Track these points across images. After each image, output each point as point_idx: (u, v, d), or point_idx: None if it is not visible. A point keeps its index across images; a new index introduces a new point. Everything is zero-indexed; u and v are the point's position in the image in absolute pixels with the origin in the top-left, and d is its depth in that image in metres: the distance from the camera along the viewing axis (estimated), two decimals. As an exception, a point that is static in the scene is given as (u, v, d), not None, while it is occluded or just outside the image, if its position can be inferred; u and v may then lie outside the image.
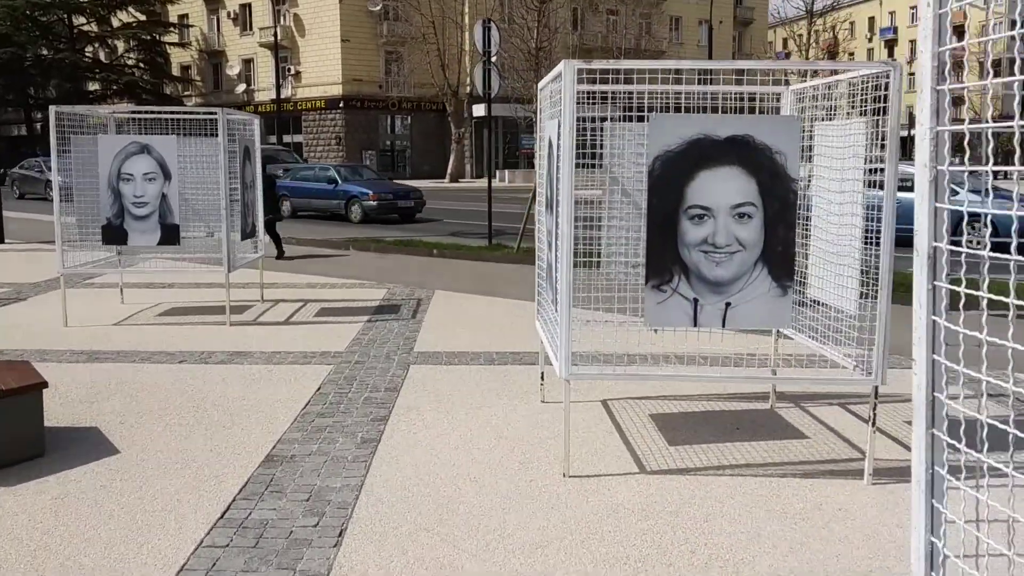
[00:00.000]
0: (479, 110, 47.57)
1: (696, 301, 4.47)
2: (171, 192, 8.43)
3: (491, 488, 4.41)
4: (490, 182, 15.51)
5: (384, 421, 5.50)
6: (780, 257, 4.44)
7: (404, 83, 51.78)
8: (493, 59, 14.55)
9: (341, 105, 51.19)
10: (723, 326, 4.53)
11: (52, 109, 8.37)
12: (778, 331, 5.57)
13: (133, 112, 9.45)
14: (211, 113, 8.72)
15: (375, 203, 21.54)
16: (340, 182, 22.32)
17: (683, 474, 4.63)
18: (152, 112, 9.40)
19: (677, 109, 5.23)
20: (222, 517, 4.01)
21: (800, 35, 67.70)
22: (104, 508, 4.10)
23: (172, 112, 9.25)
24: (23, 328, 8.36)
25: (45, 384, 4.77)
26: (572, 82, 4.29)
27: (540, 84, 5.61)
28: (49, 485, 4.37)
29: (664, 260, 4.43)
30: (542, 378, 6.00)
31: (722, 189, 4.36)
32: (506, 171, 49.18)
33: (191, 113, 9.14)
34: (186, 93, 56.91)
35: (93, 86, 55.74)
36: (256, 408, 5.78)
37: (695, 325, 4.51)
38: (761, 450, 5.03)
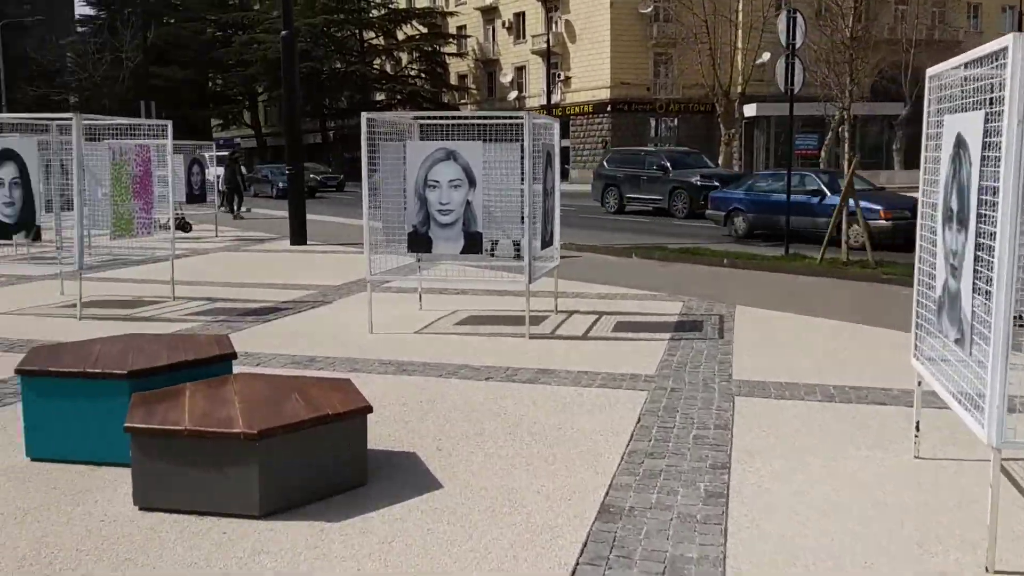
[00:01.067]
0: (751, 110, 45.46)
1: None
2: (475, 199, 8.15)
3: (890, 578, 3.49)
4: (789, 185, 14.22)
5: (725, 469, 4.71)
6: None
7: (672, 85, 50.65)
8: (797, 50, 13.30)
9: (608, 109, 51.02)
10: None
11: (364, 116, 8.36)
12: None
13: (438, 118, 9.32)
14: (516, 117, 8.36)
15: (888, 222, 15.44)
16: (828, 195, 16.29)
17: None
18: (457, 118, 9.21)
19: None
20: (567, 586, 3.42)
21: None
22: (436, 560, 3.63)
23: (478, 118, 9.00)
24: (332, 334, 8.42)
25: (370, 408, 4.44)
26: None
27: (931, 71, 4.58)
28: (374, 524, 3.99)
29: None
30: (917, 428, 4.94)
31: None
32: (780, 174, 46.59)
33: (495, 118, 8.84)
34: (462, 101, 59.29)
35: (379, 96, 59.52)
36: (575, 440, 5.20)
37: None
38: None
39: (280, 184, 36.52)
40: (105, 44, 57.16)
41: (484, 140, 8.40)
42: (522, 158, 8.17)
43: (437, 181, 8.18)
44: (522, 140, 8.10)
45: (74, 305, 9.39)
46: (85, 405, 4.74)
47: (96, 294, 10.81)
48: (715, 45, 43.22)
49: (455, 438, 5.25)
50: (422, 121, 9.42)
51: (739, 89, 42.86)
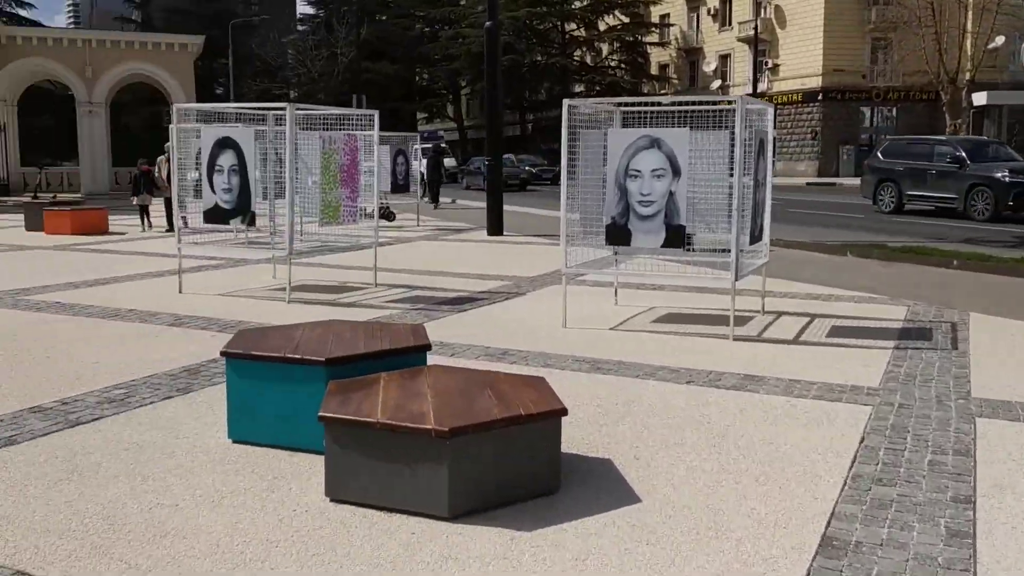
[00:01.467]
0: (980, 98, 41.77)
1: None
2: (679, 190, 7.70)
3: None
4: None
5: (969, 504, 4.07)
6: None
7: (891, 72, 47.36)
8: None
9: (819, 97, 48.48)
10: None
11: (565, 103, 8.10)
12: None
13: (641, 104, 8.93)
14: (726, 102, 7.83)
15: None
16: None
17: None
18: (662, 105, 8.77)
19: None
20: (784, 631, 2.98)
21: None
22: (634, 586, 3.30)
23: (684, 104, 8.52)
24: (525, 327, 8.25)
25: (565, 411, 4.15)
26: None
27: None
28: (567, 538, 3.69)
29: None
30: None
31: None
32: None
33: (702, 104, 8.33)
34: (662, 91, 58.20)
35: (578, 87, 59.51)
36: (789, 457, 4.70)
37: None
38: None
39: None
40: (322, 41, 60.53)
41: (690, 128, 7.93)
42: (732, 146, 7.65)
43: (639, 170, 7.80)
44: (733, 126, 7.57)
45: (284, 289, 9.74)
46: (284, 390, 4.75)
47: (304, 278, 11.22)
48: (941, 28, 39.93)
49: (654, 446, 4.88)
50: (625, 108, 9.05)
51: (968, 76, 39.42)
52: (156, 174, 18.50)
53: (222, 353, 4.90)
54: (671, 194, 7.72)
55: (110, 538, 3.65)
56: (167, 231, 17.61)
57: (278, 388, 4.76)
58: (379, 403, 4.09)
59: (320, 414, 4.03)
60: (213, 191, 9.93)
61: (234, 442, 4.88)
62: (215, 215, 9.99)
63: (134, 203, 18.89)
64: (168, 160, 17.01)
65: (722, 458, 4.70)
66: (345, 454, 4.01)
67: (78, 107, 35.71)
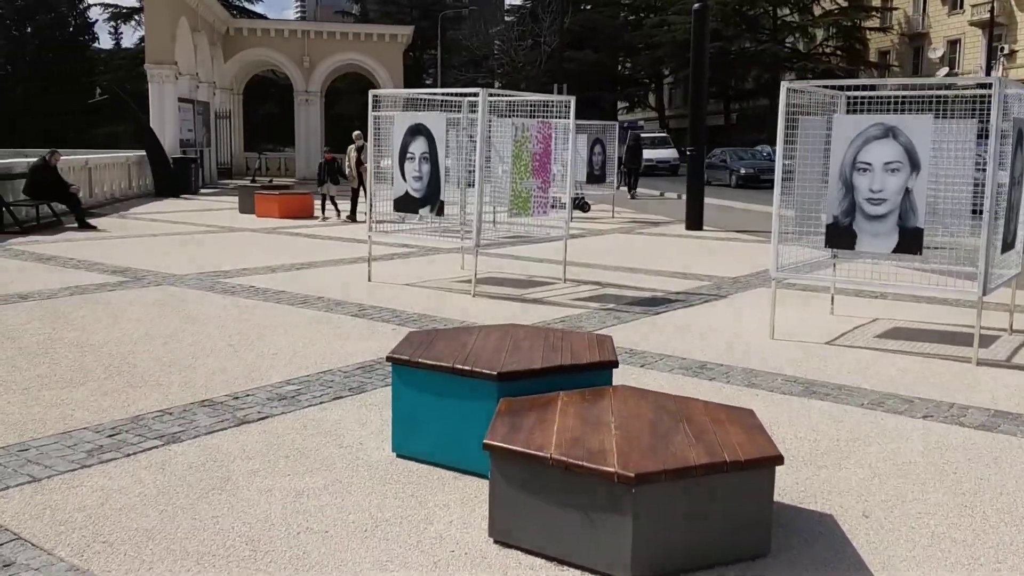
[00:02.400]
0: None
1: None
2: (917, 187, 6.61)
3: None
4: None
5: None
6: None
7: None
8: None
9: (1067, 85, 43.42)
10: None
11: (784, 85, 7.18)
12: None
13: (873, 88, 7.82)
14: (982, 85, 6.65)
15: None
16: None
17: None
18: (897, 88, 7.64)
19: None
20: None
21: None
22: None
23: (923, 88, 7.36)
24: (726, 336, 7.41)
25: (780, 459, 3.39)
26: None
27: None
28: (780, 624, 2.95)
29: None
30: None
31: None
32: None
33: (943, 88, 7.15)
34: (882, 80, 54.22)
35: (789, 76, 56.52)
36: (1068, 532, 3.69)
37: None
38: None
39: (742, 170, 31.76)
40: (527, 31, 60.83)
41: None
42: (984, 136, 6.47)
43: (869, 164, 6.76)
44: (987, 114, 6.39)
45: (470, 281, 9.38)
46: (452, 404, 4.25)
47: (491, 270, 10.85)
48: None
49: (887, 502, 3.99)
50: (850, 94, 7.97)
51: None
52: (345, 163, 18.32)
53: (388, 358, 4.47)
54: (907, 191, 6.63)
55: (249, 568, 3.26)
56: (348, 219, 17.70)
57: (445, 401, 4.26)
58: (554, 433, 3.49)
59: (485, 441, 3.48)
60: (404, 179, 9.71)
61: (397, 456, 4.44)
62: (405, 203, 9.77)
63: (319, 192, 18.56)
64: (359, 149, 17.06)
65: (977, 524, 3.76)
66: (512, 490, 3.44)
67: (295, 95, 37.55)
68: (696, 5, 16.52)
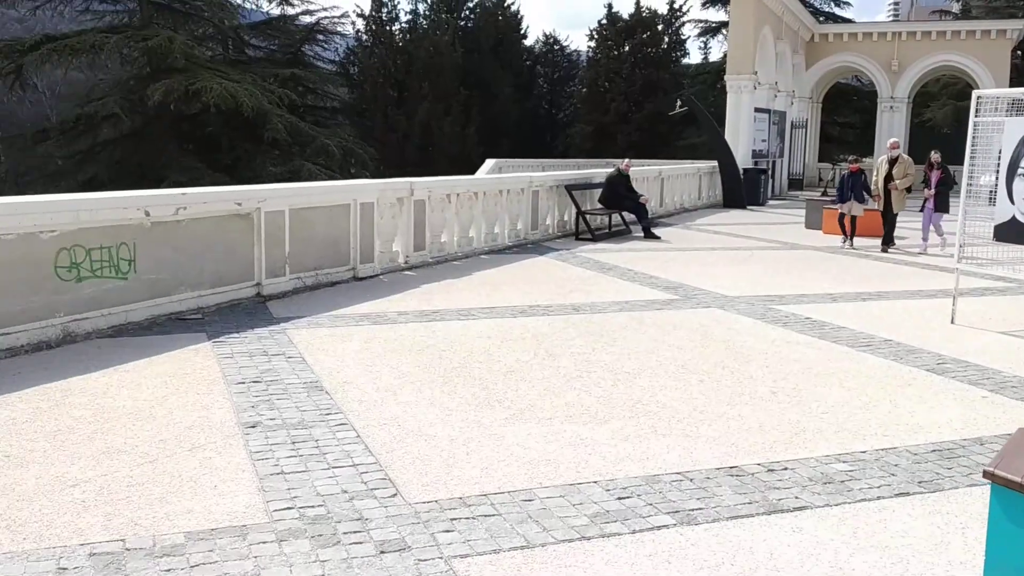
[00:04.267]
0: None
1: None
2: None
3: None
4: None
5: None
6: None
7: None
8: None
9: None
10: None
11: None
12: None
13: None
14: None
15: None
16: None
17: None
18: None
19: None
20: None
21: None
22: None
23: None
24: None
25: None
26: None
27: None
28: None
29: None
30: None
31: None
32: None
33: None
34: None
35: None
36: None
37: None
38: None
39: None
40: None
41: None
42: None
43: None
44: None
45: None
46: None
47: None
48: None
49: None
50: None
51: None
52: (872, 176, 14.92)
53: (987, 474, 3.08)
54: None
55: None
56: (882, 250, 14.35)
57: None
58: None
59: None
60: (1012, 200, 7.74)
61: (990, 620, 3.05)
62: (1012, 231, 7.80)
63: (839, 210, 15.41)
64: (891, 161, 14.04)
65: None
66: None
67: (879, 103, 35.01)
68: None
